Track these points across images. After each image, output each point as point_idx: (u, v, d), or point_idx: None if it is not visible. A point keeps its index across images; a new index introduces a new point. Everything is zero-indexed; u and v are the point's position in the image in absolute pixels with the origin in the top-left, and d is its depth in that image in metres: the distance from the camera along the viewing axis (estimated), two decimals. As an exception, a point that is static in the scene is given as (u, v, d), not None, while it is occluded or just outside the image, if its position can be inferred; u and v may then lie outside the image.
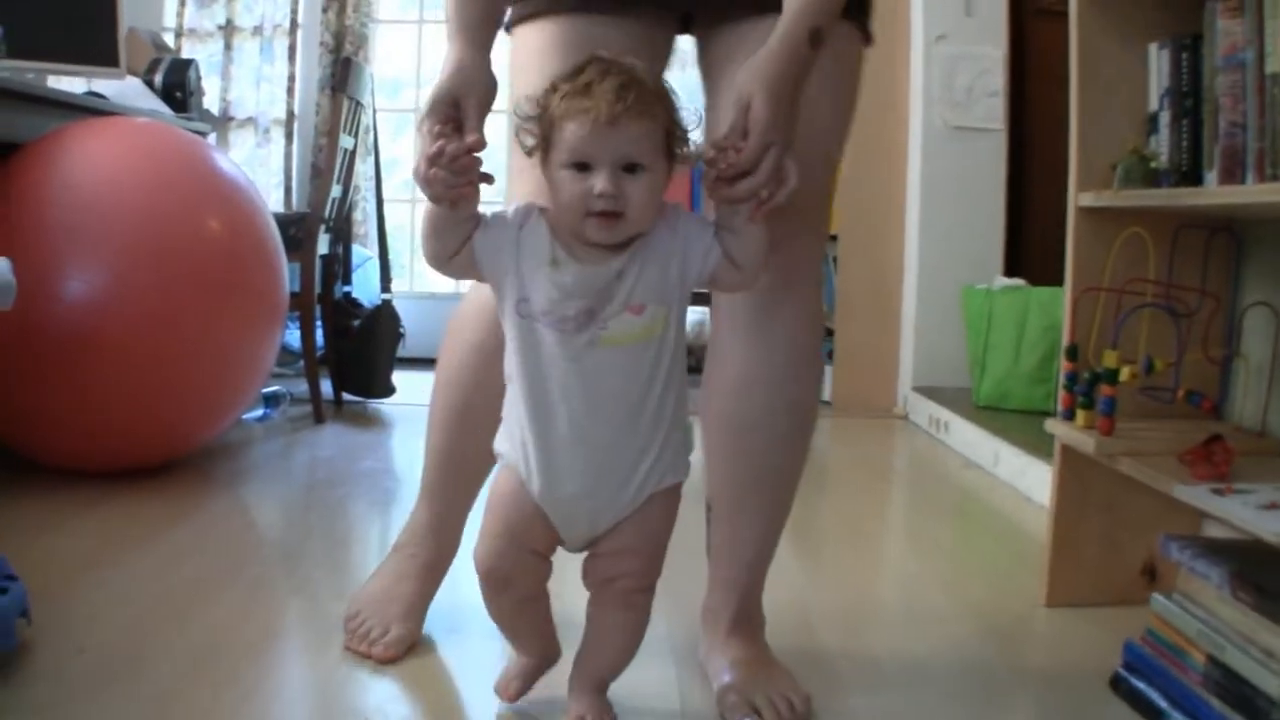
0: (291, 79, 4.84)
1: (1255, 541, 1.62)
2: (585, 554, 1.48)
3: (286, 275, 3.01)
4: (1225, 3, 1.74)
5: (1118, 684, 1.70)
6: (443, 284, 4.99)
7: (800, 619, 1.97)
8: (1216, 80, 1.78)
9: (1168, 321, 1.97)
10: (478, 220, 1.39)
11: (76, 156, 2.71)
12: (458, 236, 1.38)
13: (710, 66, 1.65)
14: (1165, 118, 1.94)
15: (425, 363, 4.25)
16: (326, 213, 3.68)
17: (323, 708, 1.60)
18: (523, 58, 1.62)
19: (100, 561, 2.16)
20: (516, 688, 1.57)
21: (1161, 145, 1.95)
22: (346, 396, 3.93)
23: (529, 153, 1.36)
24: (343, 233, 3.99)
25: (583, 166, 1.30)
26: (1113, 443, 1.86)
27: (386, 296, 4.11)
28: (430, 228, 1.39)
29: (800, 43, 1.38)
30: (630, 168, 1.30)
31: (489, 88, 1.41)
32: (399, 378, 3.97)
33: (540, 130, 1.34)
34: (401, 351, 4.04)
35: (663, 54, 1.66)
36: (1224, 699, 1.49)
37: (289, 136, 4.86)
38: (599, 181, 1.29)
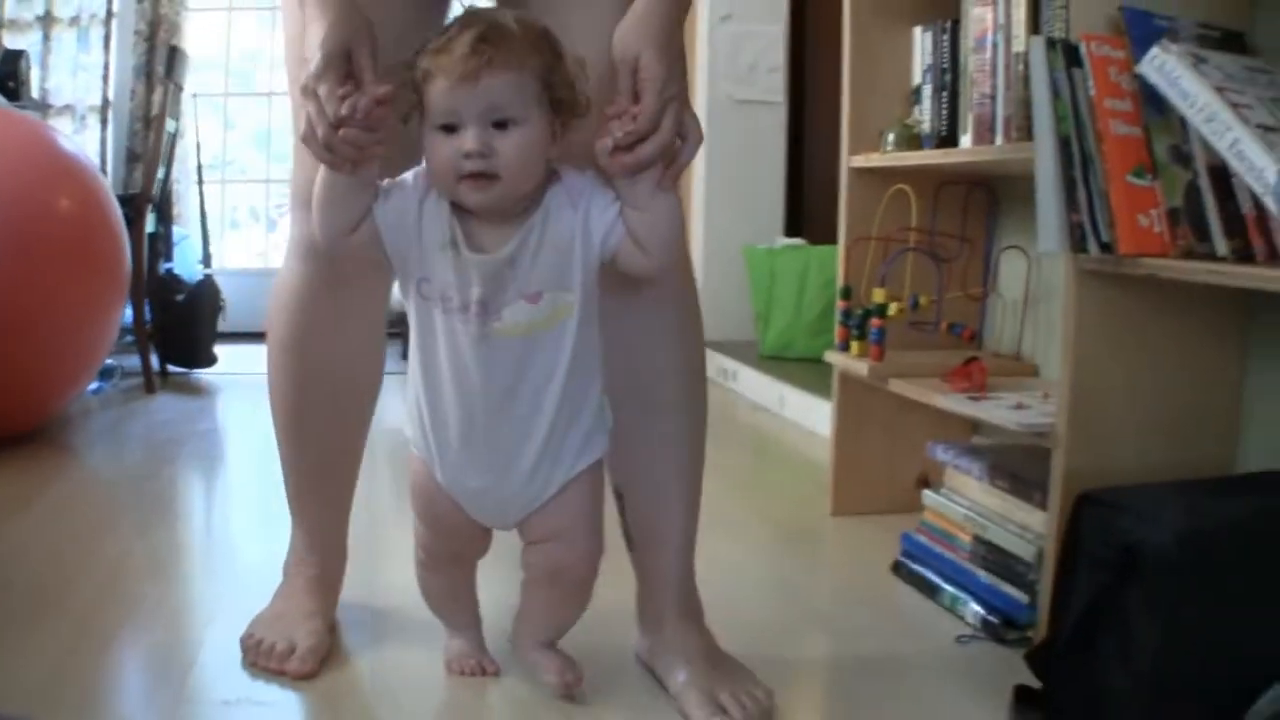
0: (107, 67, 4.87)
1: (1007, 444, 1.96)
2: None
3: (129, 252, 3.15)
4: (977, -8, 2.06)
5: (898, 569, 2.01)
6: (251, 260, 5.26)
7: (617, 541, 2.21)
8: (970, 59, 2.09)
9: (931, 264, 2.29)
10: (376, 188, 1.29)
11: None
12: (360, 206, 1.28)
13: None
14: (927, 90, 2.25)
15: (242, 335, 4.37)
16: (155, 193, 3.81)
17: (228, 609, 1.77)
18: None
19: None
20: (490, 663, 1.54)
21: (924, 114, 2.26)
22: (171, 368, 4.05)
23: (405, 120, 1.26)
24: (165, 212, 4.09)
25: (451, 128, 1.22)
26: (883, 367, 2.17)
27: (208, 272, 4.26)
28: (328, 199, 1.28)
29: None
30: (501, 124, 1.21)
31: (373, 35, 1.27)
32: (218, 349, 4.15)
33: (415, 97, 1.24)
34: (221, 325, 4.20)
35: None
36: (989, 569, 1.81)
37: (104, 122, 4.90)
38: (465, 140, 1.20)
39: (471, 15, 1.25)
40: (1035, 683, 1.44)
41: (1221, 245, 1.43)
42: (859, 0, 2.32)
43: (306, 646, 1.55)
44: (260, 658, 1.55)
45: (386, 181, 1.30)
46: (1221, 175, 1.42)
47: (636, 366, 1.49)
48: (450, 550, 1.48)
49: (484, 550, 1.49)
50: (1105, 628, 1.34)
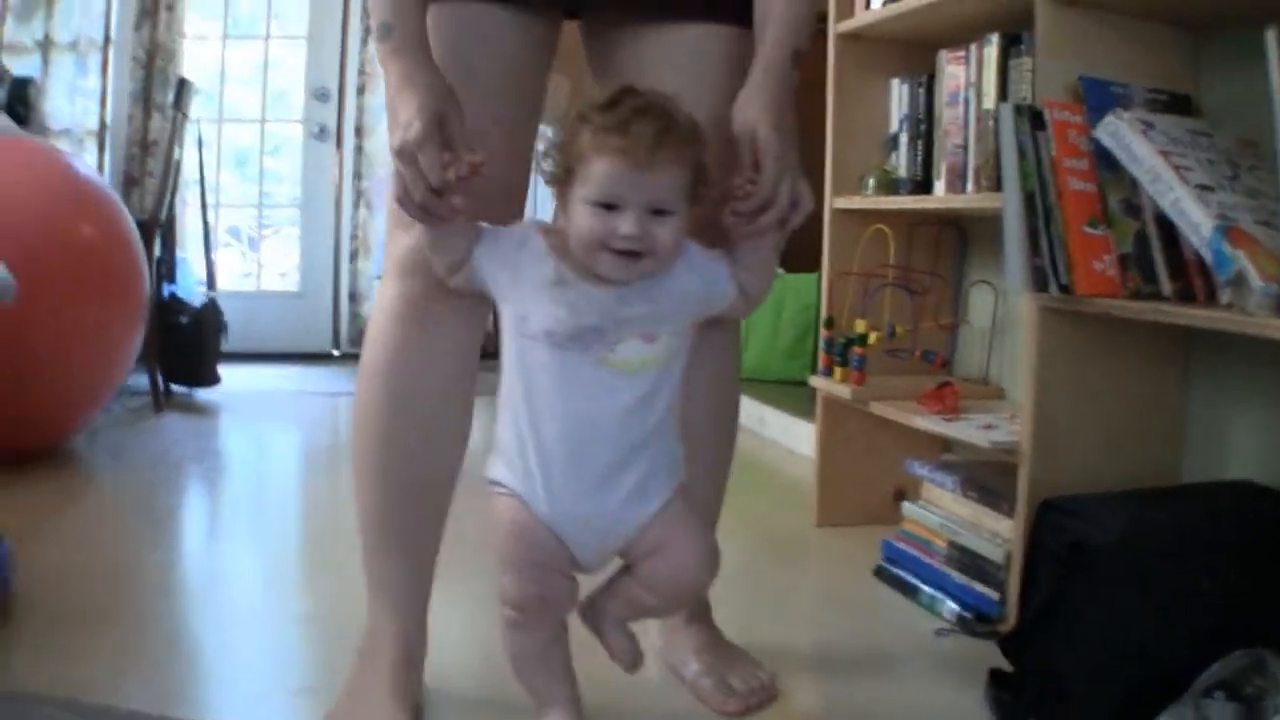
0: (104, 92, 4.97)
1: (976, 461, 2.17)
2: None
3: (148, 276, 3.29)
4: (952, 52, 2.28)
5: (880, 572, 2.22)
6: (247, 284, 5.43)
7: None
8: (944, 112, 2.32)
9: (906, 297, 2.51)
10: (477, 231, 1.35)
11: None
12: (461, 245, 1.34)
13: (611, 70, 1.54)
14: (903, 139, 2.47)
15: (242, 356, 4.71)
16: (162, 218, 4.02)
17: (276, 610, 1.95)
18: None
19: (22, 536, 2.30)
20: None
21: (900, 161, 2.48)
22: (174, 387, 4.20)
23: (549, 181, 1.32)
24: (168, 237, 4.25)
25: (608, 206, 1.26)
26: (864, 391, 2.38)
27: (212, 294, 4.43)
28: (432, 244, 1.36)
29: (787, 68, 1.39)
30: (658, 212, 1.27)
31: (459, 101, 1.33)
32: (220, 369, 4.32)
33: (564, 160, 1.29)
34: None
35: (549, 43, 1.54)
36: (963, 571, 2.02)
37: (101, 147, 4.99)
38: (625, 224, 1.25)
39: (638, 96, 1.29)
40: (1008, 667, 1.65)
41: (1166, 286, 1.66)
42: (842, 52, 2.54)
43: None
44: None
45: (486, 226, 1.36)
46: (1167, 224, 1.64)
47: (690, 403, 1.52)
48: (540, 596, 1.37)
49: (572, 602, 1.41)
50: (1059, 616, 1.55)
